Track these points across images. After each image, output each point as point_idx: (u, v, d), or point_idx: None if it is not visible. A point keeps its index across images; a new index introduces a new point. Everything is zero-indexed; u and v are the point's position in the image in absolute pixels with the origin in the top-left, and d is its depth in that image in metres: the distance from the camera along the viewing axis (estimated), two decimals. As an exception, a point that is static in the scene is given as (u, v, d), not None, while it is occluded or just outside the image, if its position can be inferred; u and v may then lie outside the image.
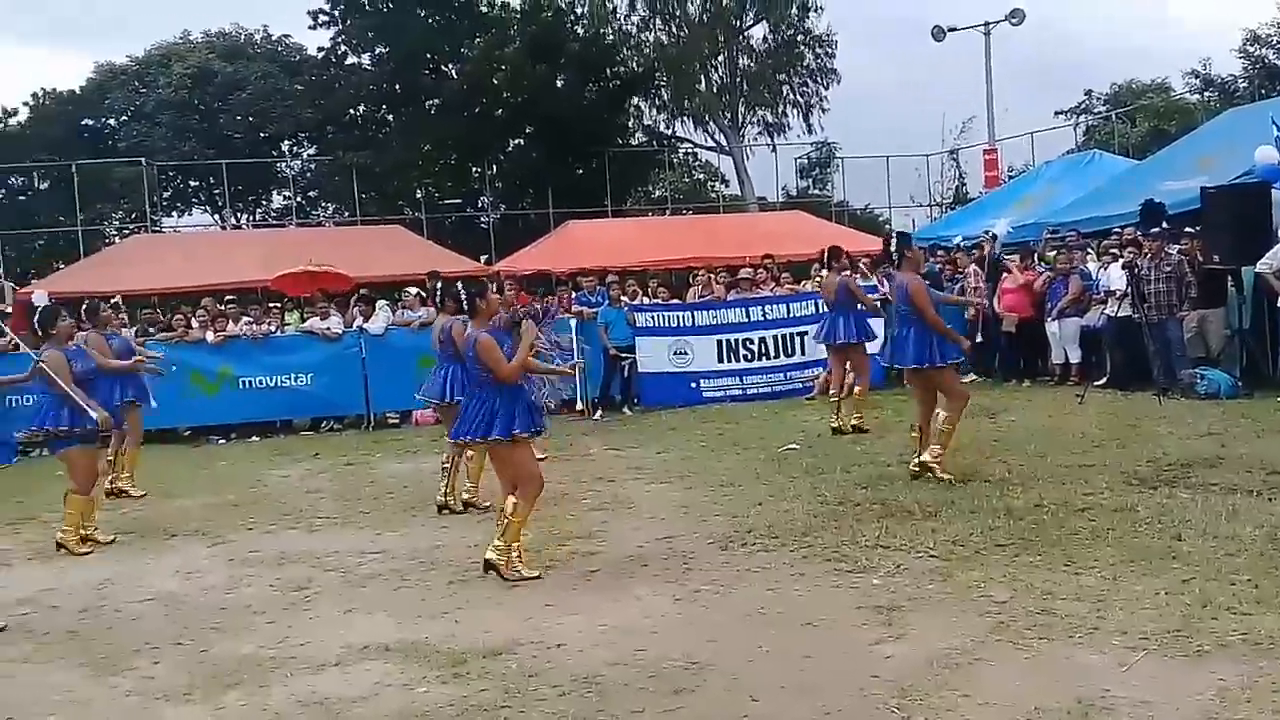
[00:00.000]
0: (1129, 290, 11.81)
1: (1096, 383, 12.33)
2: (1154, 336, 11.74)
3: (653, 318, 14.15)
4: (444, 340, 8.22)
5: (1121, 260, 12.30)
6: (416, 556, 6.91)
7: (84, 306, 9.82)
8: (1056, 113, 37.05)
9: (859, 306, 11.03)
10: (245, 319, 14.26)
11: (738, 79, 33.27)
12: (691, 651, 4.78)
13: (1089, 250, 14.21)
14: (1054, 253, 14.56)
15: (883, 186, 32.13)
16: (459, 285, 6.88)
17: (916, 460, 8.02)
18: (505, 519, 6.23)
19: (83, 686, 4.97)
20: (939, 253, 16.16)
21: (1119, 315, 12.27)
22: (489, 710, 4.29)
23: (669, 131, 34.18)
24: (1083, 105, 37.50)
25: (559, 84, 28.67)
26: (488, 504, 8.01)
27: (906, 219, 32.14)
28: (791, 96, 33.93)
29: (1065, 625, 4.78)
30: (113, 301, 12.79)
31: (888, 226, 31.06)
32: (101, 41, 70.93)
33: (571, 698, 4.37)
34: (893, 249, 8.31)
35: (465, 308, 6.64)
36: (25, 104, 34.89)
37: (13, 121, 34.93)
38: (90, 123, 34.79)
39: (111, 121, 34.50)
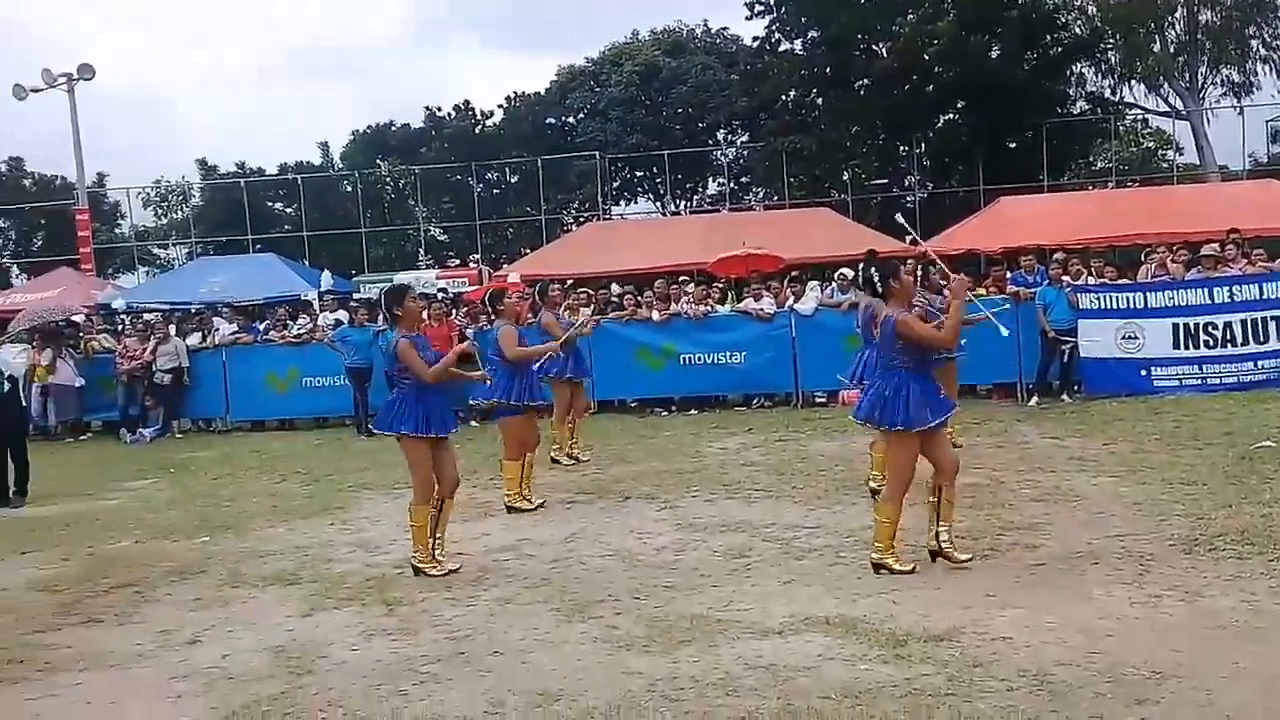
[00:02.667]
0: None
1: None
2: None
3: (1098, 299, 13.17)
4: (864, 323, 8.18)
5: None
6: (851, 534, 6.99)
7: (536, 288, 10.97)
8: None
9: None
10: (686, 299, 15.10)
11: (1198, 36, 30.01)
12: (1153, 659, 4.47)
13: None
14: None
15: (1379, 149, 27.72)
16: (871, 267, 6.55)
17: None
18: (938, 503, 6.10)
19: (556, 630, 5.55)
20: None
21: None
22: (934, 696, 4.28)
23: (1115, 98, 31.63)
24: None
25: (993, 55, 27.48)
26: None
27: None
28: (1263, 52, 30.35)
29: None
30: (568, 284, 14.22)
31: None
32: (567, 50, 77.58)
33: (1020, 693, 4.25)
34: None
35: (878, 290, 6.33)
36: (500, 106, 39.91)
37: (489, 123, 39.77)
38: (552, 121, 38.60)
39: (570, 119, 37.97)
